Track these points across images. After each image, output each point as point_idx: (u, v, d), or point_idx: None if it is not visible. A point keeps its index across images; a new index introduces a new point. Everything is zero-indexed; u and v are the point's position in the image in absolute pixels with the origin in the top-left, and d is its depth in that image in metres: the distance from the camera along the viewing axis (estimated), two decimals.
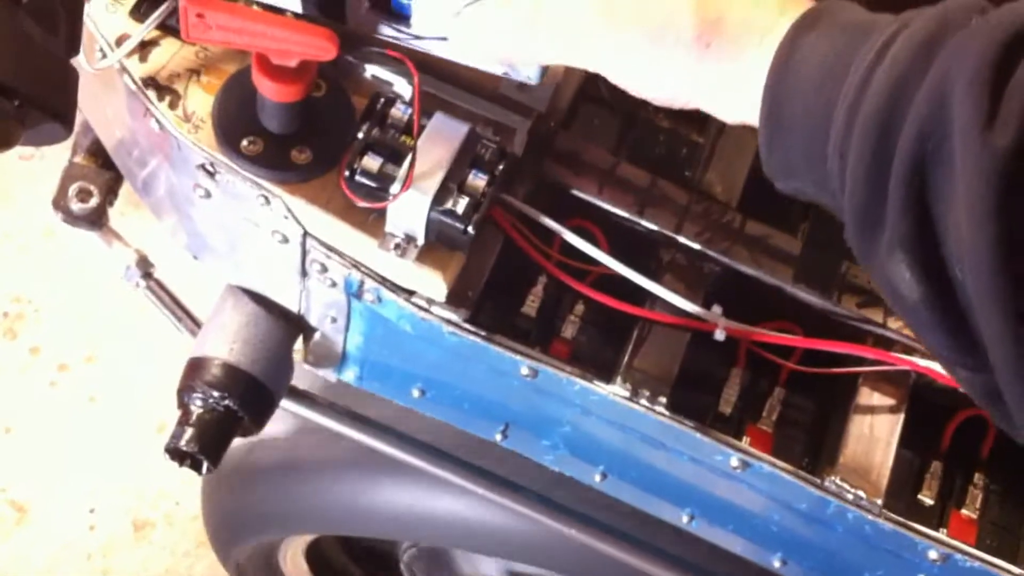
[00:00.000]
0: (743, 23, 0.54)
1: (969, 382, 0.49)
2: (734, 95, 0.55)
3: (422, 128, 0.66)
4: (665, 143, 0.83)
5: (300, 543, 1.23)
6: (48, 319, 1.85)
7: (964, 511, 0.73)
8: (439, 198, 0.65)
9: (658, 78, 0.57)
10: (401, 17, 0.63)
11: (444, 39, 0.62)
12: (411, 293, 0.70)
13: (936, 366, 0.71)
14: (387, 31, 0.64)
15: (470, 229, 0.65)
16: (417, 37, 0.64)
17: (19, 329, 1.83)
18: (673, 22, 0.55)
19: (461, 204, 0.66)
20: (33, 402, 1.79)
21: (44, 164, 1.90)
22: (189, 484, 1.70)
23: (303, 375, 0.83)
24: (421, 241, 0.67)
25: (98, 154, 0.85)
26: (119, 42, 0.70)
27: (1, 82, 0.44)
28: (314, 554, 1.27)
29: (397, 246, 0.67)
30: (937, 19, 0.47)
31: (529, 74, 0.64)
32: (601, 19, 0.56)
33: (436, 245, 0.68)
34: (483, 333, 0.70)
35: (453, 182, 0.66)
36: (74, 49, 0.51)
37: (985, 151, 0.43)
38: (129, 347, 1.83)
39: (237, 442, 0.79)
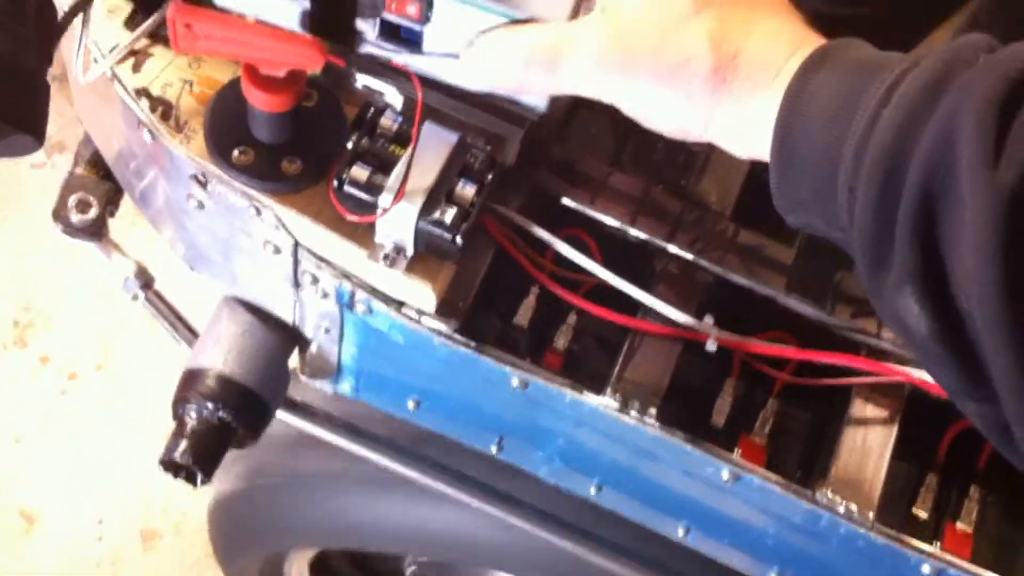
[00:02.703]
0: (758, 60, 0.55)
1: (978, 414, 0.50)
2: (746, 131, 0.56)
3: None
4: (662, 151, 0.83)
5: (306, 555, 1.23)
6: (58, 328, 1.86)
7: (960, 524, 0.72)
8: (427, 208, 0.65)
9: (673, 112, 0.57)
10: (411, 44, 0.62)
11: (455, 57, 0.62)
12: (402, 304, 0.70)
13: (929, 377, 0.71)
14: (397, 57, 0.63)
15: (458, 239, 0.65)
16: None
17: (29, 338, 1.84)
18: (691, 57, 0.55)
19: (449, 214, 0.66)
20: (42, 411, 1.79)
21: (56, 172, 1.91)
22: (197, 494, 1.70)
23: None
24: (410, 251, 0.67)
25: (98, 165, 0.86)
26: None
27: None
28: (320, 566, 1.27)
29: (386, 256, 0.67)
30: (945, 58, 0.49)
31: (537, 103, 0.64)
32: (617, 56, 0.57)
33: (426, 255, 0.68)
34: (473, 344, 0.70)
35: (442, 192, 0.66)
36: (47, 61, 0.52)
37: (991, 187, 0.44)
38: (139, 356, 1.83)
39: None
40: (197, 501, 1.72)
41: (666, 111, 0.58)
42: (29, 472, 1.75)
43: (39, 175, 1.94)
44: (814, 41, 0.55)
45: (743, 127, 0.56)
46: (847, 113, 0.51)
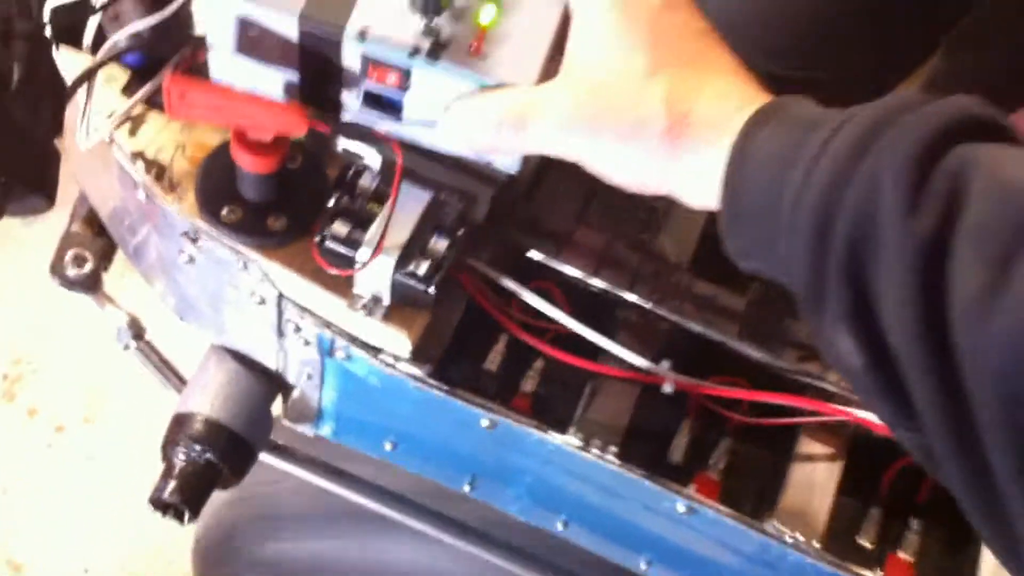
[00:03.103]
0: (708, 118, 0.59)
1: (911, 442, 0.53)
2: (699, 184, 0.59)
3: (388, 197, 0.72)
4: (624, 209, 0.89)
5: None
6: (46, 381, 1.90)
7: (902, 554, 0.77)
8: (402, 261, 0.70)
9: (632, 168, 0.61)
10: (393, 110, 0.67)
11: (432, 125, 0.67)
12: (379, 350, 0.75)
13: (872, 417, 0.76)
14: (380, 124, 0.68)
15: (431, 289, 0.71)
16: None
17: (17, 391, 1.88)
18: (646, 117, 0.59)
19: (423, 266, 0.71)
20: (30, 463, 1.83)
21: (46, 228, 1.95)
22: (181, 542, 1.74)
23: None
24: (387, 301, 0.72)
25: (93, 223, 0.91)
26: (110, 118, 0.76)
27: None
28: None
29: (364, 306, 0.72)
30: (874, 115, 0.52)
31: (509, 164, 0.69)
32: (579, 118, 0.61)
33: (402, 305, 0.73)
34: (445, 387, 0.75)
35: (416, 246, 0.71)
36: (58, 130, 0.57)
37: (907, 236, 0.47)
38: (125, 409, 1.87)
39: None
40: (182, 549, 1.75)
41: (626, 167, 0.61)
42: (16, 522, 1.78)
43: (29, 230, 1.98)
44: (762, 100, 0.59)
45: (696, 181, 0.60)
46: (786, 168, 0.54)
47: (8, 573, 1.75)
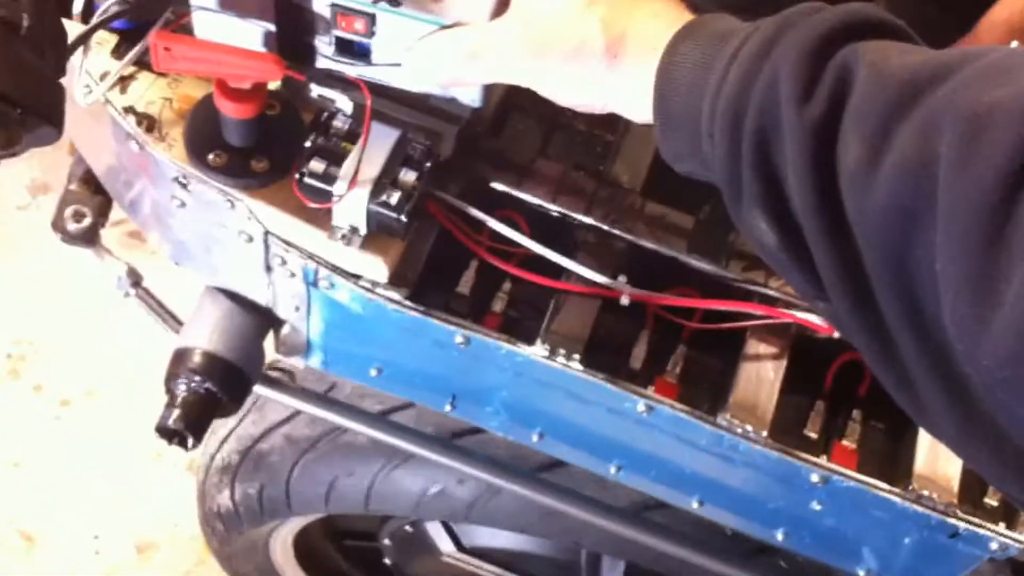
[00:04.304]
0: (641, 37, 0.66)
1: (826, 313, 0.60)
2: (639, 99, 0.66)
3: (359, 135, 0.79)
4: (582, 143, 0.95)
5: (288, 534, 1.34)
6: (49, 359, 1.97)
7: (846, 442, 0.84)
8: (376, 193, 0.77)
9: (577, 88, 0.68)
10: (363, 55, 0.74)
11: (398, 65, 0.73)
12: (358, 277, 0.82)
13: (812, 318, 0.83)
14: (351, 70, 0.75)
15: (403, 217, 0.78)
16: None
17: (22, 369, 1.95)
18: (586, 40, 0.66)
19: (395, 197, 0.78)
20: (38, 437, 1.90)
21: (40, 213, 2.03)
22: (187, 506, 1.81)
23: None
24: (364, 231, 0.79)
25: (90, 182, 0.98)
26: (102, 78, 0.82)
27: (8, 95, 0.58)
28: (302, 546, 1.39)
29: (343, 236, 0.79)
30: (776, 23, 0.59)
31: (472, 98, 0.76)
32: (529, 45, 0.68)
33: (377, 234, 0.80)
34: (421, 308, 0.82)
35: (387, 178, 0.78)
36: (61, 71, 0.64)
37: (803, 122, 0.54)
38: (126, 382, 1.94)
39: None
40: (189, 512, 1.83)
41: (571, 87, 0.68)
42: (27, 495, 1.85)
43: (25, 216, 2.05)
44: (688, 19, 0.66)
45: (636, 96, 0.66)
46: (704, 75, 0.61)
47: (21, 544, 1.82)
